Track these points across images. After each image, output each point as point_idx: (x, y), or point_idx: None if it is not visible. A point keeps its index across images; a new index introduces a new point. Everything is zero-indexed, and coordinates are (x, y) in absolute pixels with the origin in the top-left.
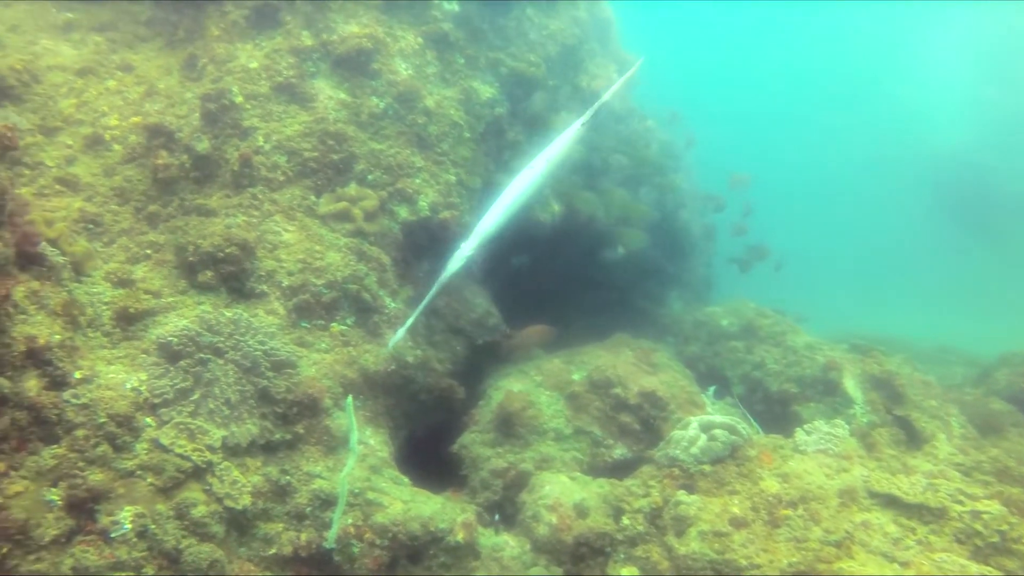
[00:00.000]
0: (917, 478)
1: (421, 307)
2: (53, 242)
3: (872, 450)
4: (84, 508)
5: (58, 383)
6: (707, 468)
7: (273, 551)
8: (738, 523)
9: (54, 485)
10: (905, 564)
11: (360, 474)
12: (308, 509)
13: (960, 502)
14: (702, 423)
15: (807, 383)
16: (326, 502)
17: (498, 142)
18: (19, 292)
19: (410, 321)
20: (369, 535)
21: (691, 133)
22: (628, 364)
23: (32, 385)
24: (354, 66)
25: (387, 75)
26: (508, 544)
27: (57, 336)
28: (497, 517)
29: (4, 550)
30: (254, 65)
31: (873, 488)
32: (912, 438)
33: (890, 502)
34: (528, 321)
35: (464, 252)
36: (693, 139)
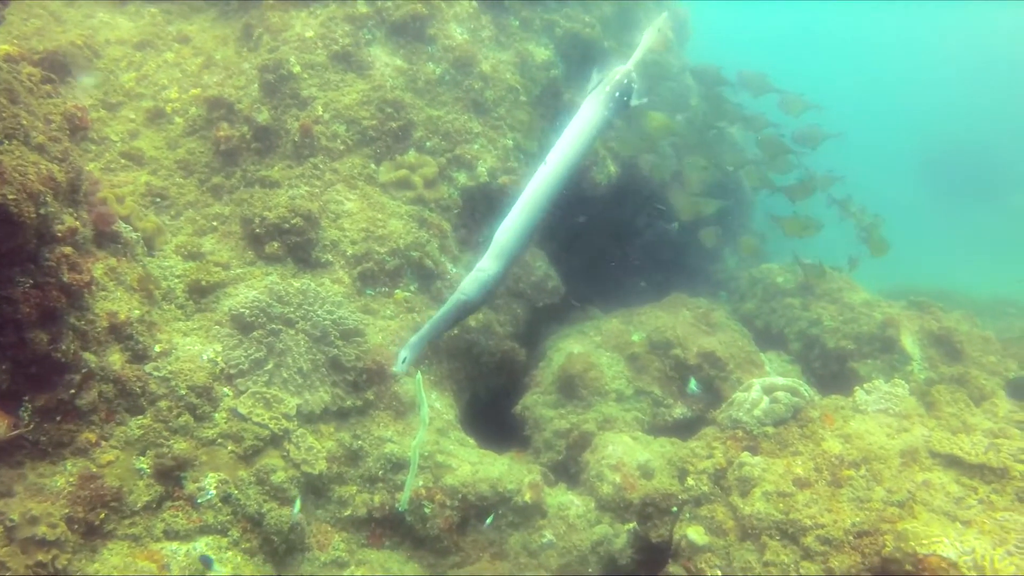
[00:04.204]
0: (978, 437)
1: (426, 330)
2: (125, 219)
3: (932, 408)
4: (171, 475)
5: (139, 356)
6: (770, 430)
7: (348, 513)
8: (801, 484)
9: (142, 454)
10: (967, 523)
11: (428, 437)
12: (380, 472)
13: (1022, 461)
14: (764, 385)
15: (864, 340)
16: (397, 465)
17: (554, 104)
18: (98, 269)
19: (408, 355)
20: (440, 496)
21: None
22: (687, 324)
23: (116, 359)
24: (410, 32)
25: (443, 40)
26: (573, 503)
27: (136, 311)
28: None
29: (102, 515)
30: (310, 34)
31: (935, 448)
32: (971, 395)
33: (952, 462)
34: (584, 280)
35: (482, 273)
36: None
